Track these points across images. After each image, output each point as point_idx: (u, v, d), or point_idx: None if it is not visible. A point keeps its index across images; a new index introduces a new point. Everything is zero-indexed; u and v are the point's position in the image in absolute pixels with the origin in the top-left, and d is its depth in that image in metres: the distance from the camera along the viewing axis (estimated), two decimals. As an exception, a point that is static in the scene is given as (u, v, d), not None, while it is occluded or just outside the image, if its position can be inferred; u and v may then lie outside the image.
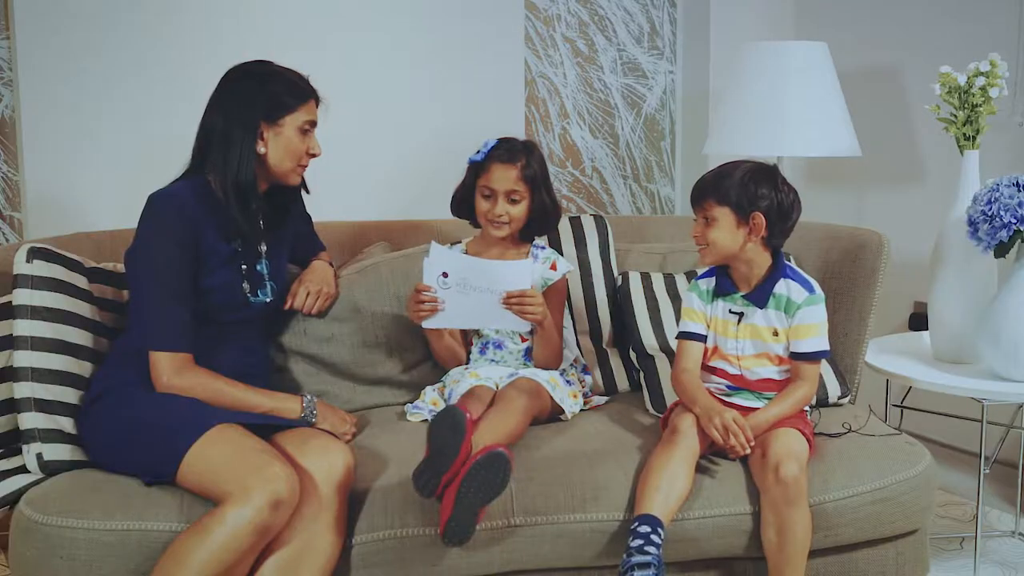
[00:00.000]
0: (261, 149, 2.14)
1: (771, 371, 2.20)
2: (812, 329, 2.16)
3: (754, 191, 2.12)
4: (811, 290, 2.17)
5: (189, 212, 2.07)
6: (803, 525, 2.03)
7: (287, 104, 2.14)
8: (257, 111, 2.12)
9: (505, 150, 2.39)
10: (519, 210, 2.39)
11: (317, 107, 2.21)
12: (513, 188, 2.37)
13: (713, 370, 2.24)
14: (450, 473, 1.92)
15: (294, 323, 2.39)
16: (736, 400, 2.21)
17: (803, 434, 2.14)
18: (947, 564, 2.63)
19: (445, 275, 2.28)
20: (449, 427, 1.94)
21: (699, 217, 2.17)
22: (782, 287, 2.17)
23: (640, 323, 2.57)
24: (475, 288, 2.27)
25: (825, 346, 2.17)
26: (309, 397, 2.17)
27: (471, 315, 2.31)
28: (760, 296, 2.18)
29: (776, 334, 2.18)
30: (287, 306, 2.34)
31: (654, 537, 1.95)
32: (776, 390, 2.20)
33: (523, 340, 2.44)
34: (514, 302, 2.27)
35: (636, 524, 1.98)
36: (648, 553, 1.93)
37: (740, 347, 2.20)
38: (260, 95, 2.12)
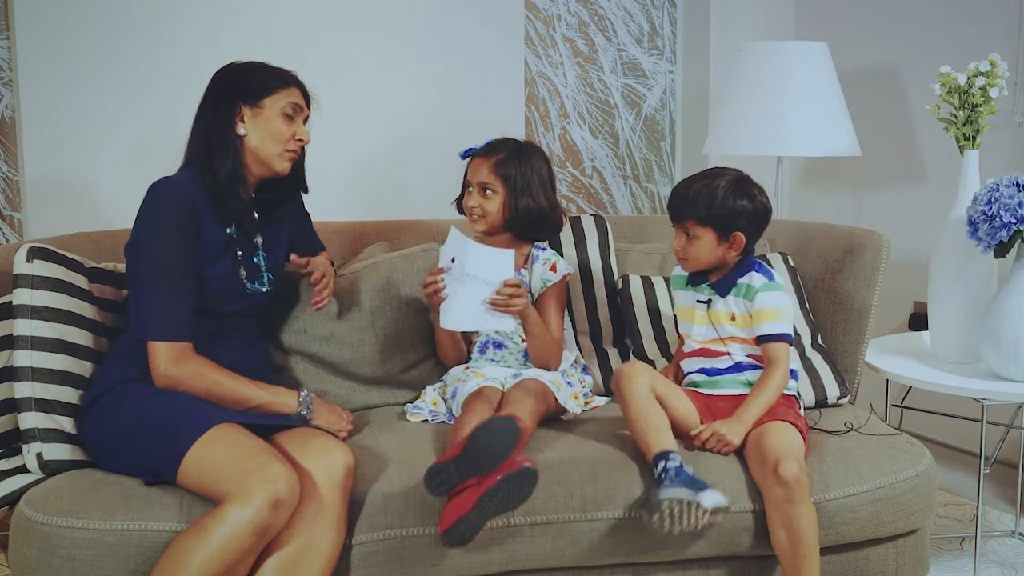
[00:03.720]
0: (241, 131, 2.14)
1: (735, 349, 2.26)
2: (771, 313, 2.22)
3: (735, 209, 2.19)
4: (771, 278, 2.25)
5: (190, 200, 2.08)
6: (810, 520, 2.05)
7: (267, 87, 2.16)
8: (236, 95, 2.14)
9: (489, 145, 2.42)
10: (493, 205, 2.39)
11: (306, 99, 2.22)
12: (485, 181, 2.38)
13: (686, 355, 2.32)
14: (477, 479, 1.92)
15: (294, 322, 2.39)
16: (719, 391, 2.25)
17: (796, 427, 2.15)
18: (947, 564, 2.63)
19: (452, 260, 2.28)
20: (502, 440, 1.92)
21: (679, 232, 2.25)
22: (746, 278, 2.25)
23: (641, 327, 2.58)
24: (467, 275, 2.24)
25: (786, 330, 2.22)
26: (305, 392, 2.17)
27: (469, 315, 2.28)
28: (725, 285, 2.26)
29: (734, 319, 2.25)
30: (314, 280, 2.32)
31: (672, 462, 2.04)
32: (746, 367, 2.26)
33: (523, 340, 2.44)
34: (500, 302, 2.24)
35: (657, 460, 2.04)
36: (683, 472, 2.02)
37: (705, 332, 2.28)
38: (240, 81, 2.16)
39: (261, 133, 2.15)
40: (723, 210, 2.18)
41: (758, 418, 2.16)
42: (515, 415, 2.01)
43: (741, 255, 2.25)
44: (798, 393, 2.35)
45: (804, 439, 2.17)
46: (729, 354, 2.26)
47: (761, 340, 2.23)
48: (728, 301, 2.26)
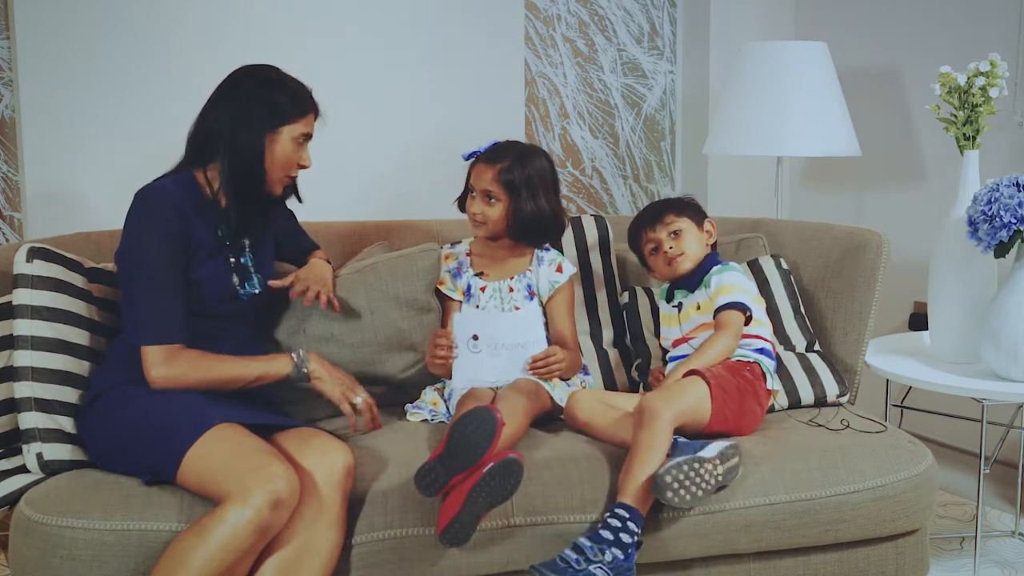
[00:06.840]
0: None
1: (701, 337, 2.36)
2: (725, 289, 2.35)
3: (692, 200, 2.50)
4: (724, 264, 2.42)
5: (179, 206, 2.07)
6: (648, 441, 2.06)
7: (287, 115, 2.13)
8: (261, 117, 2.11)
9: (493, 150, 2.41)
10: (495, 212, 2.40)
11: (316, 120, 2.20)
12: (488, 188, 2.38)
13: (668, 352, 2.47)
14: (463, 475, 1.92)
15: (294, 323, 2.39)
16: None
17: (722, 388, 2.19)
18: (947, 564, 2.63)
19: (476, 337, 2.34)
20: (478, 429, 1.93)
21: (664, 235, 2.42)
22: (710, 273, 2.41)
23: (648, 338, 2.59)
24: (502, 345, 2.34)
25: (738, 298, 2.33)
26: (300, 352, 2.16)
27: (492, 376, 2.35)
28: (693, 281, 2.42)
29: (699, 307, 2.39)
30: (292, 295, 2.30)
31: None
32: None
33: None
34: (540, 366, 2.32)
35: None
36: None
37: (678, 331, 2.43)
38: (263, 102, 2.11)
39: (271, 159, 2.14)
40: (687, 201, 2.48)
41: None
42: (494, 407, 2.00)
43: (711, 249, 2.45)
44: (771, 372, 2.34)
45: (761, 410, 2.27)
46: (688, 340, 2.38)
47: (716, 313, 2.34)
48: (696, 295, 2.41)
